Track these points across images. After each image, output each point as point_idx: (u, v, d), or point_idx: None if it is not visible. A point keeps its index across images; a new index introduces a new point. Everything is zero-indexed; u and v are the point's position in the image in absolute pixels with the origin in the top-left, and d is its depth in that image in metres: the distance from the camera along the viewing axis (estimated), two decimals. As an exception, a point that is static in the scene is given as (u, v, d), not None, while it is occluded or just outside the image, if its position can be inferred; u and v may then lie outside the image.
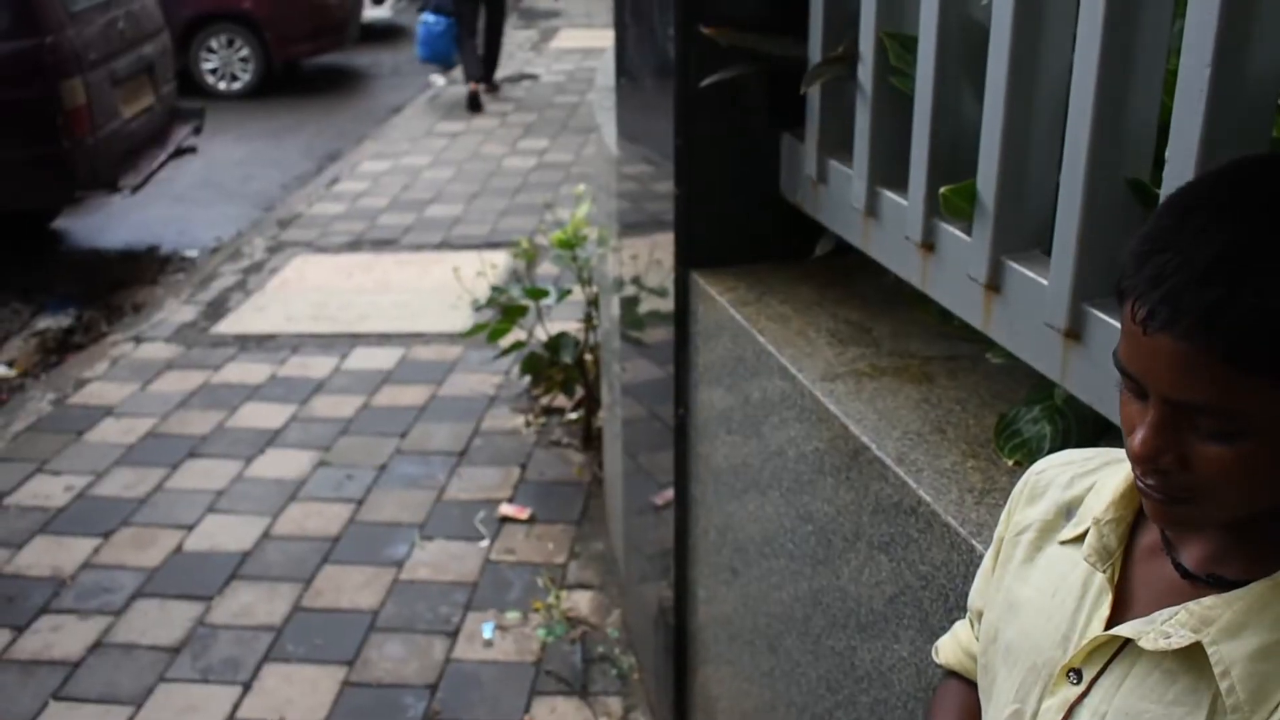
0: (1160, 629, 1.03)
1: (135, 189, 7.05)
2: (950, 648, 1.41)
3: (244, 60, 11.76)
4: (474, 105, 10.80)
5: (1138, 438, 0.98)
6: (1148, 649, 1.03)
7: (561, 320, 5.05)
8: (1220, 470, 0.95)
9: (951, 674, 1.41)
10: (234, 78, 11.80)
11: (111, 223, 8.05)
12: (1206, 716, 1.00)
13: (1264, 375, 0.89)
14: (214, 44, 11.69)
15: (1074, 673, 1.10)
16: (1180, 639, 1.01)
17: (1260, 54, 1.32)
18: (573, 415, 5.05)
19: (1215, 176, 0.98)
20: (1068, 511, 1.19)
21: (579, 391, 4.94)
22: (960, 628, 1.41)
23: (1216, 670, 0.99)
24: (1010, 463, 1.72)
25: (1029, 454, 1.68)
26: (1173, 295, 0.91)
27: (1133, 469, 1.02)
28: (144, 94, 7.35)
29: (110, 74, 6.84)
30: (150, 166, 7.19)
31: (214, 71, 11.73)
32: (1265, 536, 1.02)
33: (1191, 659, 1.01)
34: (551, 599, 3.93)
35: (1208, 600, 1.02)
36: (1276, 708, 0.97)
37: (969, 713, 1.33)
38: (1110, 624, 1.09)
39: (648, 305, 3.07)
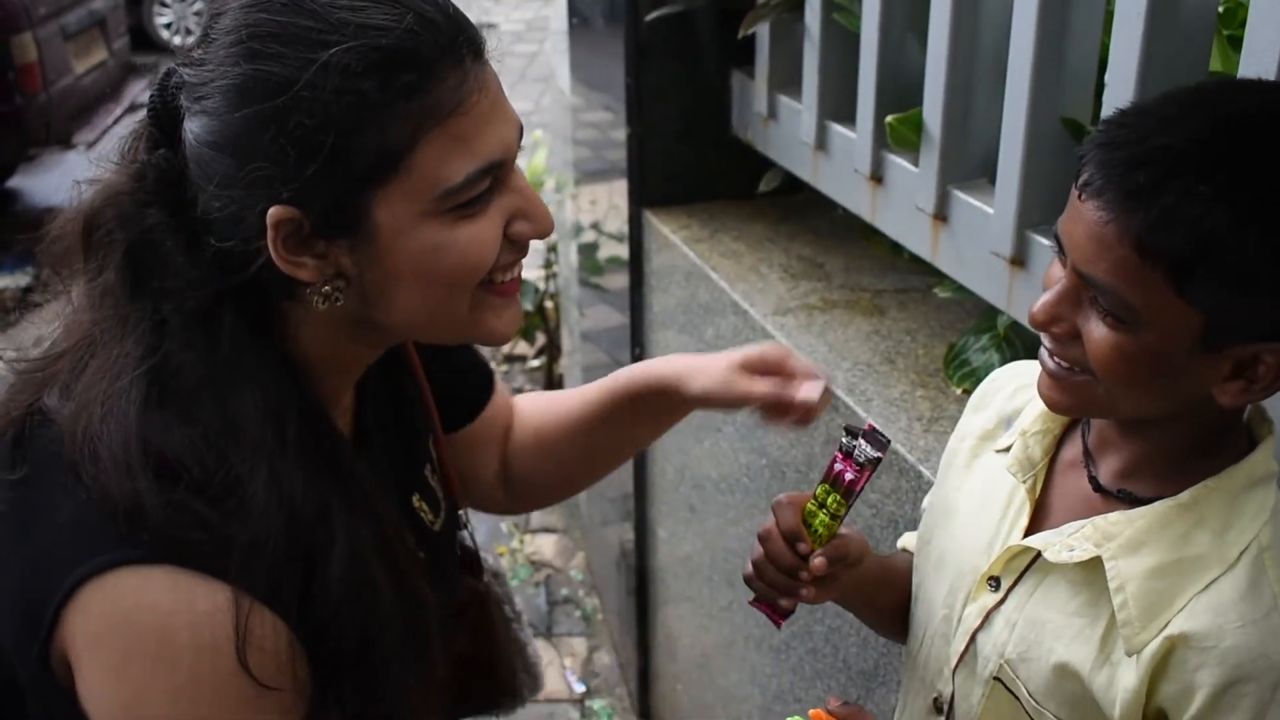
0: (1065, 541, 1.05)
1: (91, 145, 6.96)
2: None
3: (199, 15, 11.61)
4: None
5: (1039, 301, 1.00)
6: (1052, 561, 1.05)
7: (522, 268, 5.03)
8: (1101, 353, 0.97)
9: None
10: (189, 32, 11.64)
11: (67, 180, 7.87)
12: (1105, 629, 1.02)
13: (1161, 270, 0.91)
14: (168, -2, 11.54)
15: (993, 580, 1.12)
16: (1081, 552, 1.03)
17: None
18: (535, 362, 5.05)
19: (1194, 87, 1.00)
20: (1008, 422, 1.20)
21: (540, 338, 4.94)
22: None
23: (1112, 585, 1.01)
24: (959, 391, 1.74)
25: (977, 382, 1.68)
26: (1110, 166, 0.93)
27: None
28: (96, 49, 7.24)
29: (61, 29, 6.73)
30: (105, 122, 7.11)
31: (169, 26, 11.59)
32: (1176, 455, 1.04)
33: (1094, 573, 1.03)
34: (516, 543, 3.95)
35: (1113, 516, 1.03)
36: (1166, 625, 0.98)
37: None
38: (1027, 535, 1.11)
39: (605, 250, 3.07)
